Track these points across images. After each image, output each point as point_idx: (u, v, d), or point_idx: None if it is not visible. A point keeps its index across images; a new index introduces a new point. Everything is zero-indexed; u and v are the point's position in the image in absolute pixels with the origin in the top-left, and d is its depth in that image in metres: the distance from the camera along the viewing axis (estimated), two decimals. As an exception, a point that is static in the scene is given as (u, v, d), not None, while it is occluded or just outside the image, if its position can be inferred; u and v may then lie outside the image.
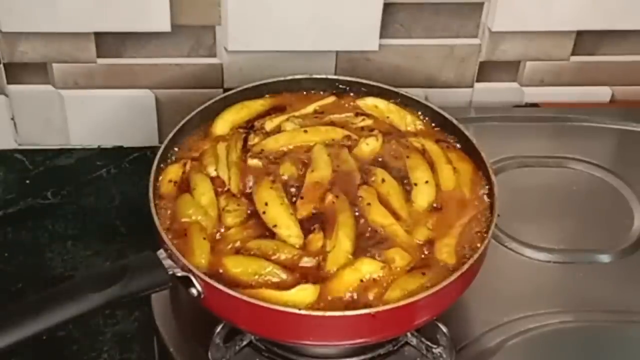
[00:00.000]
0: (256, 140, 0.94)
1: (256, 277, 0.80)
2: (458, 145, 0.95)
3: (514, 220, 1.00)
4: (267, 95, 1.00)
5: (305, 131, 0.95)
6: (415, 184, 0.89)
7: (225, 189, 0.89)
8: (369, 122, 0.97)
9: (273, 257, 0.82)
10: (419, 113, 0.98)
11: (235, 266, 0.81)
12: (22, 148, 1.16)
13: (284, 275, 0.81)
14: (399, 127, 0.97)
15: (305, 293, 0.79)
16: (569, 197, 1.07)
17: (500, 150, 1.10)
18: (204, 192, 0.88)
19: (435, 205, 0.88)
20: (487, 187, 0.90)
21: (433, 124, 0.98)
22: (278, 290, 0.79)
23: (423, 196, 0.89)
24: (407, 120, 0.97)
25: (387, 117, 0.98)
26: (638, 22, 1.15)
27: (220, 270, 0.81)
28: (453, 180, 0.90)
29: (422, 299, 0.77)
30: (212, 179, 0.90)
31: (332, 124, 0.97)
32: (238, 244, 0.84)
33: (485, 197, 0.89)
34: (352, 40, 1.11)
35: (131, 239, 1.05)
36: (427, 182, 0.90)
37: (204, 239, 0.83)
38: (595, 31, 1.16)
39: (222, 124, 0.96)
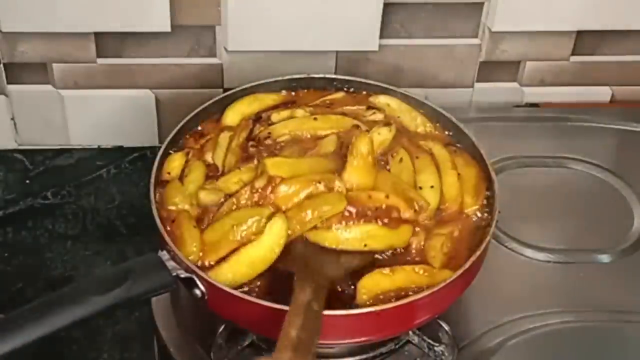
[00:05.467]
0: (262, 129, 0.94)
1: (239, 232, 0.81)
2: (459, 145, 0.95)
3: (514, 220, 0.99)
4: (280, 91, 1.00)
5: (315, 118, 0.94)
6: (421, 188, 0.88)
7: (214, 175, 0.89)
8: (380, 116, 0.96)
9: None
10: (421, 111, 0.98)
11: (215, 235, 0.82)
12: (22, 148, 1.16)
13: (257, 216, 0.81)
14: (408, 128, 0.96)
15: (276, 227, 0.80)
16: (569, 197, 1.07)
17: (500, 150, 1.10)
18: (193, 180, 0.88)
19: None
20: (487, 194, 0.89)
21: (443, 127, 0.96)
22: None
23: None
24: (417, 122, 0.96)
25: (398, 117, 0.97)
26: (638, 22, 1.15)
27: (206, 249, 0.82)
28: (456, 188, 0.89)
29: (423, 297, 0.77)
30: (208, 167, 0.90)
31: (343, 114, 0.96)
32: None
33: (485, 206, 0.89)
34: (352, 40, 1.11)
35: (131, 239, 1.05)
36: (432, 187, 0.88)
37: (194, 227, 0.83)
38: (595, 31, 1.16)
39: (233, 114, 0.96)
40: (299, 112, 0.96)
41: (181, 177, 0.89)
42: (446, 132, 0.96)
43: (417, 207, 0.85)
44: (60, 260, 1.03)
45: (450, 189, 0.89)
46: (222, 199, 0.85)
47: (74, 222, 1.07)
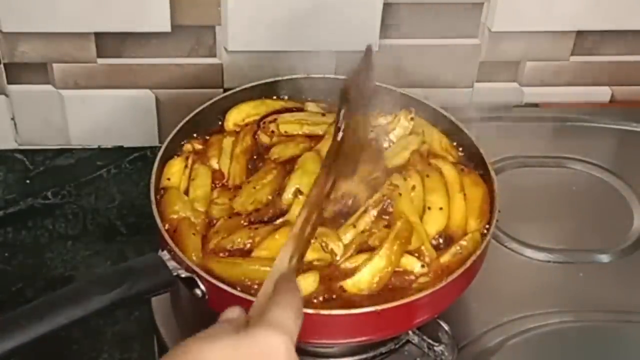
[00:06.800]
0: (265, 138, 0.94)
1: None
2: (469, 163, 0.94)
3: (514, 220, 0.99)
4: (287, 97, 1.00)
5: (323, 114, 0.95)
6: (429, 208, 0.87)
7: (220, 183, 0.90)
8: (389, 118, 0.96)
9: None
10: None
11: (224, 270, 0.81)
12: (22, 148, 1.16)
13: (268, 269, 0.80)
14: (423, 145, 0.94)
15: (306, 282, 0.79)
16: (569, 197, 1.07)
17: (500, 150, 1.10)
18: (201, 184, 0.88)
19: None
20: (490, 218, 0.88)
21: (455, 144, 0.96)
22: None
23: (433, 224, 0.86)
24: (433, 137, 0.95)
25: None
26: (638, 22, 1.15)
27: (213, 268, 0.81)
28: (462, 212, 0.88)
29: (423, 297, 0.78)
30: (213, 172, 0.90)
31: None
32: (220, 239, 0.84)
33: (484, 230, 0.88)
34: (352, 40, 1.10)
35: (131, 239, 1.05)
36: (441, 208, 0.88)
37: (194, 234, 0.83)
38: (595, 31, 1.16)
39: (237, 113, 0.96)
40: (311, 105, 0.96)
41: (180, 184, 0.89)
42: (459, 150, 0.95)
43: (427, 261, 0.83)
44: (60, 260, 1.03)
45: (457, 214, 0.88)
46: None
47: (74, 222, 1.07)
